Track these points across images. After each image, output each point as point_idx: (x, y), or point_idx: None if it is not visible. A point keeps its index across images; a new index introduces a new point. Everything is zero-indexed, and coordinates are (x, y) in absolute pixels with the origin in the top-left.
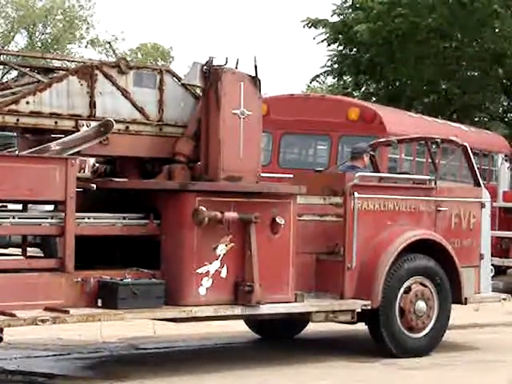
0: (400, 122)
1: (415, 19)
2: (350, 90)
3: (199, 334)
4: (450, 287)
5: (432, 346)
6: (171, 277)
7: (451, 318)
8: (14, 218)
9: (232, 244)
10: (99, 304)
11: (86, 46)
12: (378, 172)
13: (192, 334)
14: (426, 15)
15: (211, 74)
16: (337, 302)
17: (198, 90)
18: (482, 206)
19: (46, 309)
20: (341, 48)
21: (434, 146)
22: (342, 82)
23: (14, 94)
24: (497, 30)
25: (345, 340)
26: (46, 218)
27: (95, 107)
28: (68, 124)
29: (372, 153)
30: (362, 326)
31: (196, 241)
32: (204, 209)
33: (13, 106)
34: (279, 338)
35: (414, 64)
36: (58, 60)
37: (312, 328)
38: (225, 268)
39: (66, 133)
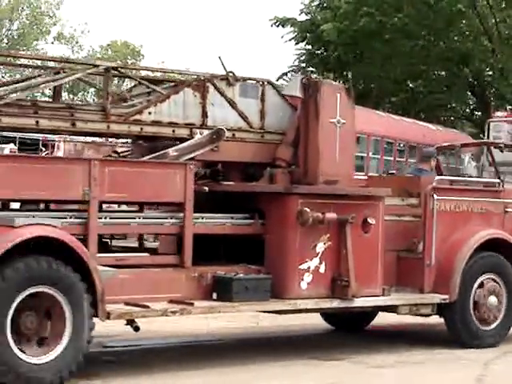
0: (368, 120)
1: (382, 18)
2: None
3: (165, 331)
4: None
5: (501, 338)
6: (275, 272)
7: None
8: (139, 218)
9: (329, 242)
10: (214, 297)
11: (52, 42)
12: (442, 174)
13: (157, 331)
14: (392, 14)
15: (311, 86)
16: (419, 296)
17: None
18: None
19: (171, 301)
20: (309, 47)
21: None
22: None
23: (133, 105)
24: (463, 30)
25: (309, 338)
26: (166, 218)
27: (207, 116)
28: (183, 132)
29: (438, 157)
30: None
31: (298, 239)
32: (308, 210)
33: (137, 116)
34: (352, 330)
35: (381, 63)
36: (175, 73)
37: (276, 325)
38: (323, 264)
39: (182, 140)
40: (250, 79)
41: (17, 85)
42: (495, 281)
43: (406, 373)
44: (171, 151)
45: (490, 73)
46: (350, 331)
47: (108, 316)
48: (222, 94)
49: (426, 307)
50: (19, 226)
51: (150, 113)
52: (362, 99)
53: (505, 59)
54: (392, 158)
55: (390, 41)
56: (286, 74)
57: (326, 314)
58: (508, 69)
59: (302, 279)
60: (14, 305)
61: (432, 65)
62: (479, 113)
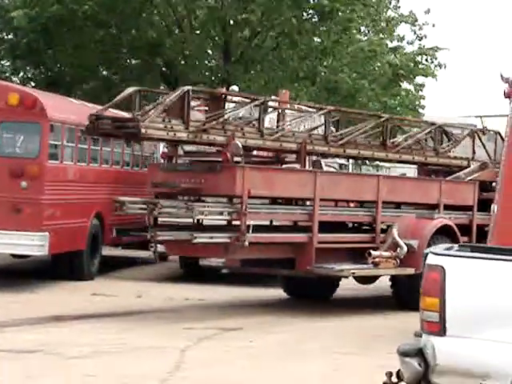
0: (62, 107)
1: (72, 6)
2: (8, 74)
3: None
4: None
5: None
6: None
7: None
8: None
9: None
10: None
11: None
12: None
13: None
14: (83, 2)
15: None
16: None
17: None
18: None
19: None
20: None
21: None
22: None
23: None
24: (154, 19)
25: None
26: (462, 214)
27: (474, 153)
28: (464, 162)
29: None
30: None
31: None
32: None
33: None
34: None
35: (72, 50)
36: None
37: None
38: None
39: (461, 168)
40: (489, 131)
41: None
42: None
43: (103, 362)
44: (461, 174)
45: (182, 62)
46: None
47: None
48: (480, 139)
49: None
50: (436, 218)
51: (452, 151)
52: (54, 86)
53: (195, 48)
54: (87, 147)
55: (82, 28)
56: None
57: None
58: (197, 58)
59: None
60: None
61: (124, 53)
62: None
